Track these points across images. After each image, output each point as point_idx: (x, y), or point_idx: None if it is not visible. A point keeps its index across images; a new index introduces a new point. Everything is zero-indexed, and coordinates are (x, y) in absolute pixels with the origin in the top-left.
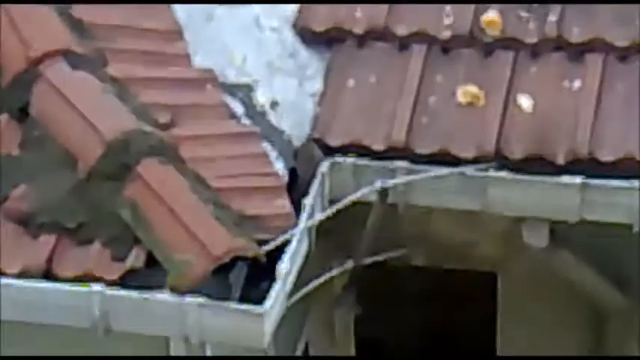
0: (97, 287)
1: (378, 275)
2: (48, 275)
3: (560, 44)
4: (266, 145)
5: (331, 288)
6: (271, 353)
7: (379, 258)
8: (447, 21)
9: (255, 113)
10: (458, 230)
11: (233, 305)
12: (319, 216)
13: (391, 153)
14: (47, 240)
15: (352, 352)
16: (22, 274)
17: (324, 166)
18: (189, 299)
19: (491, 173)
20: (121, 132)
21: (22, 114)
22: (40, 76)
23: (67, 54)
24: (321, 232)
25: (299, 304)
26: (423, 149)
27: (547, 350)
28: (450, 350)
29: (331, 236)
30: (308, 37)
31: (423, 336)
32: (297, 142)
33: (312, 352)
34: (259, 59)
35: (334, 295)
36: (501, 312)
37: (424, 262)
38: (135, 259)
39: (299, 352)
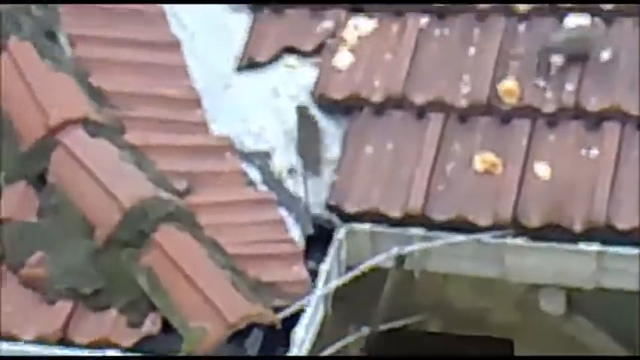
0: (111, 353)
1: (395, 342)
2: (64, 341)
3: (577, 113)
4: (283, 212)
5: (347, 354)
6: None
7: (395, 324)
8: (465, 89)
9: (272, 180)
10: (474, 297)
11: None
12: (335, 282)
13: (408, 220)
14: (63, 306)
15: None
16: (37, 341)
17: (341, 233)
18: None
19: (508, 240)
20: (138, 199)
21: (40, 181)
22: (58, 143)
23: (85, 122)
24: (338, 298)
25: None
26: (439, 216)
27: None
28: None
29: (347, 302)
30: (326, 104)
31: None
32: (314, 209)
33: None
34: (277, 127)
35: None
36: None
37: (440, 328)
38: (151, 325)
39: None
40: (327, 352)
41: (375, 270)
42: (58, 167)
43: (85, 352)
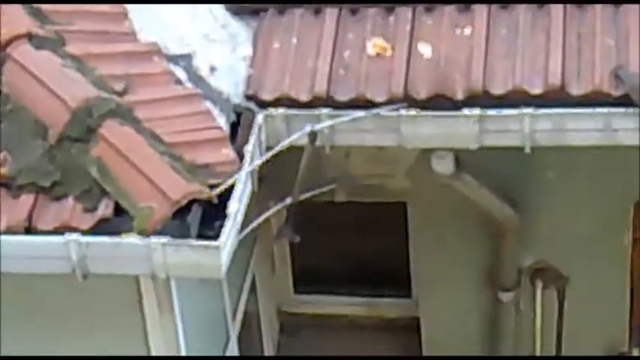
0: (72, 236)
1: (310, 211)
2: (29, 229)
3: None
4: (208, 104)
5: (270, 226)
6: (225, 284)
7: (310, 195)
8: None
9: (196, 78)
10: (373, 167)
11: (193, 242)
12: (259, 160)
13: (316, 102)
14: (27, 199)
15: (290, 277)
16: (6, 231)
17: (260, 118)
18: (154, 240)
19: (402, 112)
20: (83, 99)
21: None
22: (8, 57)
23: (30, 37)
24: (262, 176)
25: (246, 240)
26: (342, 97)
27: (452, 262)
28: (372, 270)
29: (270, 179)
30: (236, 9)
31: (349, 260)
32: (235, 100)
33: (258, 283)
34: (196, 32)
35: (274, 230)
36: (412, 233)
37: (346, 197)
38: (104, 209)
39: (247, 284)
40: (254, 223)
41: (292, 148)
42: (9, 78)
43: (50, 238)
